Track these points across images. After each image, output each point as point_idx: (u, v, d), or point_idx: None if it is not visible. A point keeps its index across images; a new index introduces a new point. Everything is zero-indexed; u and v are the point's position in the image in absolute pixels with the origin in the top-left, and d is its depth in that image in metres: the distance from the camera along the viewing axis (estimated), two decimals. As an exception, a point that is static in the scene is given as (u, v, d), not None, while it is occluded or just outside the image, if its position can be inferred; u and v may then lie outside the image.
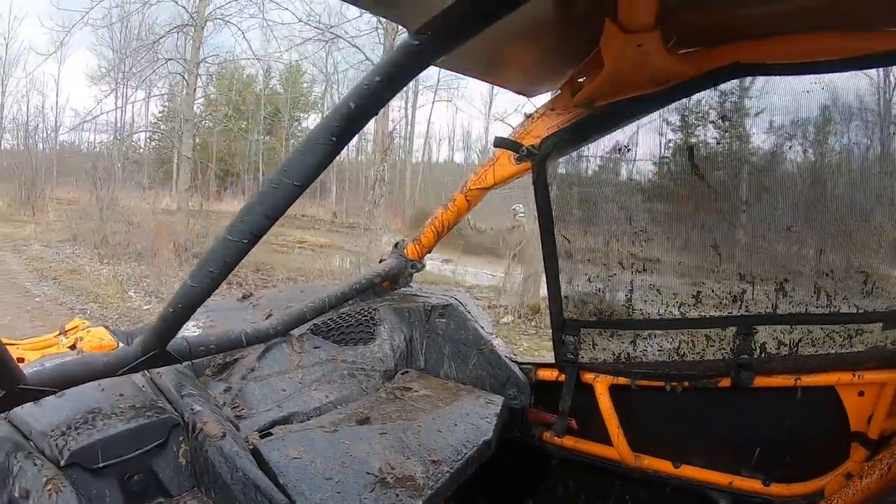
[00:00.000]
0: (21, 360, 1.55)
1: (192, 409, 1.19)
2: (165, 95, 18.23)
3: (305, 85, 20.05)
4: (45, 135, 27.20)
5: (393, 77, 0.88)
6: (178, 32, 14.30)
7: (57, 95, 38.42)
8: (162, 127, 20.39)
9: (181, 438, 1.18)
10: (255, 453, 1.16)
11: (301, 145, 0.94)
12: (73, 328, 1.83)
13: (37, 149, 24.26)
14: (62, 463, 1.03)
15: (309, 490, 1.11)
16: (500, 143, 1.58)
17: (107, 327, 1.82)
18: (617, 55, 1.21)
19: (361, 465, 1.18)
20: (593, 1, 1.06)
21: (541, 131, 1.53)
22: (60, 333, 1.81)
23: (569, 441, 1.66)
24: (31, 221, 18.16)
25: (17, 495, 0.97)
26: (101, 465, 1.06)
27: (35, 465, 1.01)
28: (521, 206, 19.10)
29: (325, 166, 0.94)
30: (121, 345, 1.71)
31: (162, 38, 14.10)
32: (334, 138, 0.91)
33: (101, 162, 15.69)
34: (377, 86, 0.88)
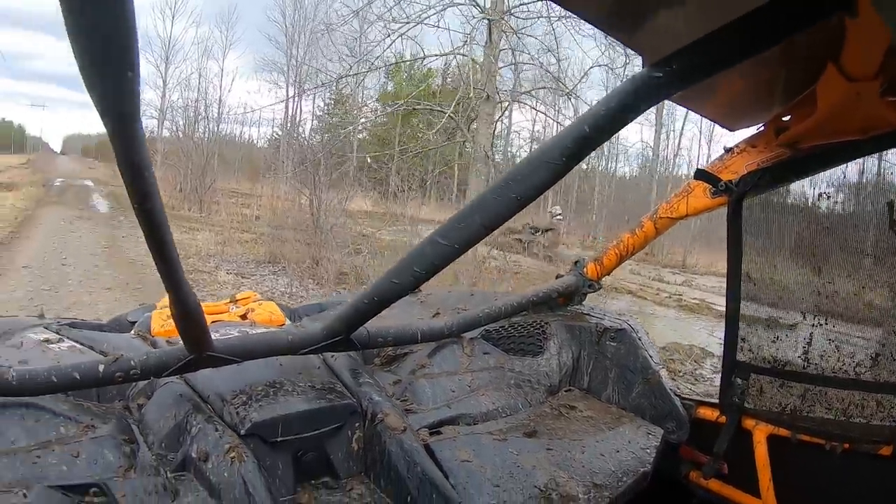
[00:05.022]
0: None
1: (371, 399, 1.22)
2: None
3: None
4: (206, 124, 25.55)
5: (626, 107, 0.89)
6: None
7: (221, 79, 35.97)
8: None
9: (357, 424, 1.20)
10: (427, 450, 1.16)
11: (529, 160, 0.96)
12: (243, 298, 1.91)
13: (201, 137, 22.42)
14: (242, 432, 1.05)
15: (477, 494, 1.11)
16: (701, 175, 1.55)
17: (276, 302, 1.90)
18: (833, 101, 1.17)
19: (528, 478, 1.17)
20: (817, 43, 1.03)
21: (739, 167, 1.49)
22: (231, 302, 1.89)
23: (714, 484, 1.61)
24: (203, 222, 14.91)
25: (194, 455, 1.00)
26: (279, 439, 1.09)
27: (217, 430, 1.03)
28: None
29: (551, 185, 0.96)
30: (288, 321, 1.81)
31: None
32: (564, 158, 0.92)
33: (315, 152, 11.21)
34: (612, 113, 0.89)
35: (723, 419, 1.59)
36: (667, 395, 1.56)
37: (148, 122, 32.00)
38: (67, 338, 1.34)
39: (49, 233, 11.88)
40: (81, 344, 1.31)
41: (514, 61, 11.41)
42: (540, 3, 11.24)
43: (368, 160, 11.98)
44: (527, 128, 29.61)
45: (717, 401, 1.63)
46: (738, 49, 0.84)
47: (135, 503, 0.89)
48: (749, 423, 1.57)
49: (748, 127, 1.51)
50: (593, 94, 24.45)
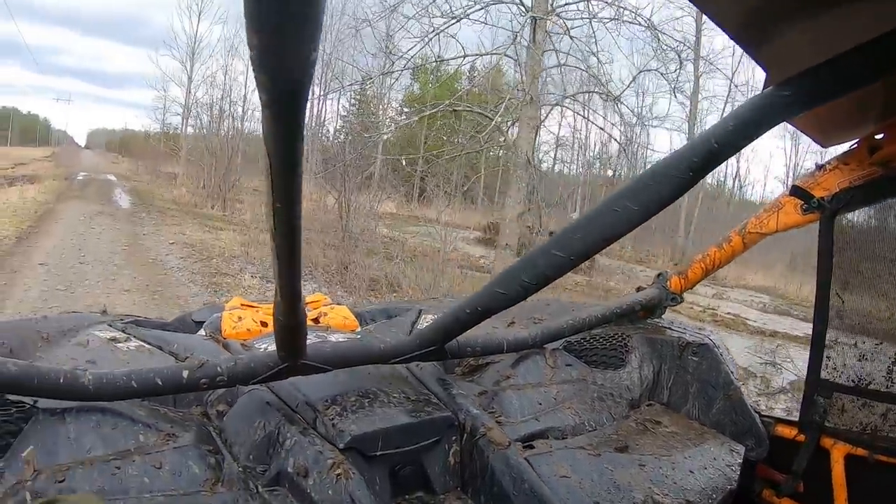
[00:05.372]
0: (265, 323, 1.62)
1: (469, 412, 1.20)
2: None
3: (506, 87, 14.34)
4: (231, 122, 24.36)
5: (752, 123, 0.89)
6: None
7: (246, 77, 35.80)
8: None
9: (454, 438, 1.17)
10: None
11: (651, 173, 0.95)
12: (313, 301, 1.86)
13: (226, 134, 21.90)
14: (341, 445, 1.01)
15: None
16: (796, 192, 1.53)
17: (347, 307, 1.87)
18: None
19: (625, 495, 1.14)
20: None
21: (831, 185, 1.47)
22: (301, 304, 1.98)
23: (787, 503, 1.59)
24: (227, 221, 14.75)
25: (290, 470, 0.96)
26: (378, 453, 1.06)
27: (314, 443, 0.99)
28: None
29: (675, 199, 0.95)
30: (360, 327, 1.79)
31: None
32: (691, 172, 0.91)
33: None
34: (739, 128, 0.89)
35: (801, 437, 1.58)
36: (747, 412, 1.53)
37: (172, 119, 31.84)
38: (134, 337, 1.31)
39: (68, 228, 11.63)
40: (150, 344, 1.28)
41: (559, 62, 10.78)
42: (583, 2, 10.61)
43: (403, 163, 11.45)
44: (552, 131, 28.90)
45: (795, 419, 1.62)
46: (866, 72, 0.84)
47: None
48: (827, 441, 1.55)
49: (841, 143, 1.50)
50: (633, 101, 23.80)
